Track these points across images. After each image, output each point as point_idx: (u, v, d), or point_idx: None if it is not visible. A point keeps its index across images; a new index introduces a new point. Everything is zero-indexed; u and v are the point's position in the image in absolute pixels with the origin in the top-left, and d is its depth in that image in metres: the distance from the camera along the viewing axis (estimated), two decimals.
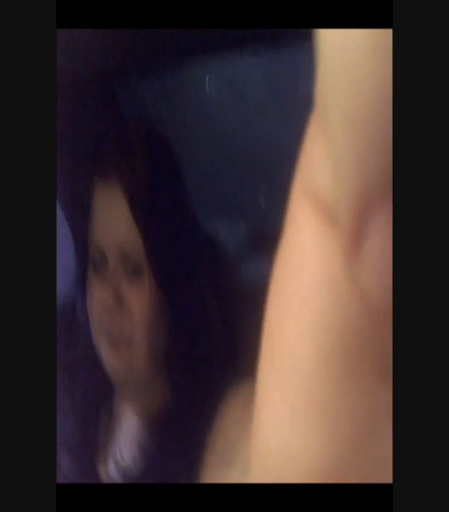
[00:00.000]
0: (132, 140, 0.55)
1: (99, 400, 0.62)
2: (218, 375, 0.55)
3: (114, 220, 0.53)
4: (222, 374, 0.55)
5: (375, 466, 0.15)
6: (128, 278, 0.53)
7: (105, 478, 0.57)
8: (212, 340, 0.55)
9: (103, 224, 0.54)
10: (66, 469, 0.57)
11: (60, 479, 0.56)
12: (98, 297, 0.54)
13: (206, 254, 0.57)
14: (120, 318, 0.53)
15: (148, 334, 0.52)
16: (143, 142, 0.54)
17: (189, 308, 0.55)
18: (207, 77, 1.00)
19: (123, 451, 0.58)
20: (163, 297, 0.53)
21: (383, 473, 0.15)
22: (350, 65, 0.10)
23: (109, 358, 0.55)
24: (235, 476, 0.45)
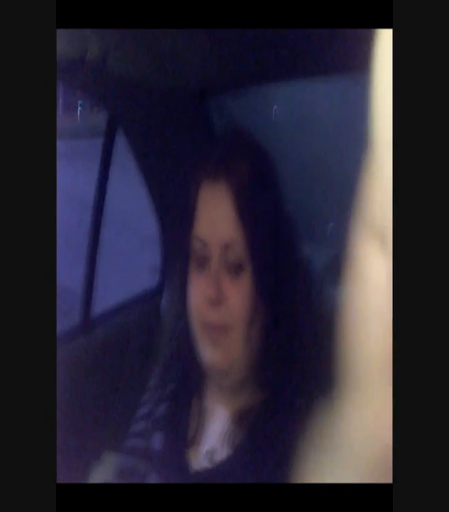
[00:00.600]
0: (237, 146, 0.57)
1: (190, 390, 0.63)
2: (307, 380, 0.56)
3: (219, 218, 0.55)
4: (309, 381, 0.56)
5: None
6: (229, 274, 0.55)
7: (196, 467, 0.58)
8: (303, 348, 0.56)
9: (208, 222, 0.56)
10: (158, 454, 0.59)
11: (153, 462, 0.58)
12: (200, 291, 0.56)
13: (300, 268, 0.59)
14: (220, 312, 0.55)
15: (246, 330, 0.54)
16: (246, 149, 0.57)
17: (283, 312, 0.56)
18: (274, 108, 1.06)
19: (214, 443, 0.59)
20: (260, 297, 0.54)
21: None
22: None
23: (208, 351, 0.56)
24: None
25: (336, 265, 1.10)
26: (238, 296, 0.54)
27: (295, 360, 0.56)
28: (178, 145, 1.04)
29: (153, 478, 0.59)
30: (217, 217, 0.55)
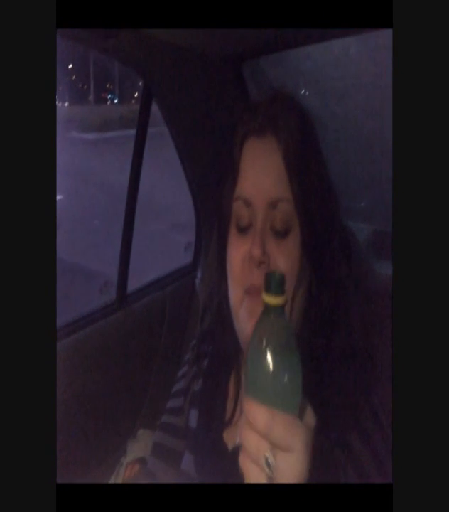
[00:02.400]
0: (283, 103, 0.54)
1: (226, 367, 0.59)
2: (349, 348, 0.53)
3: (266, 173, 0.52)
4: (351, 348, 0.53)
5: None
6: (274, 236, 0.52)
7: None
8: (347, 318, 0.53)
9: (253, 179, 0.53)
10: (194, 431, 0.57)
11: (189, 439, 0.56)
12: (243, 253, 0.52)
13: (344, 234, 0.55)
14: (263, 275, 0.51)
15: (289, 301, 0.50)
16: (292, 106, 0.54)
17: (328, 280, 0.54)
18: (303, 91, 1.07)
19: None
20: (305, 260, 0.51)
21: None
22: None
23: (248, 324, 0.51)
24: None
25: (377, 240, 1.09)
26: (283, 258, 0.51)
27: (337, 330, 0.52)
28: (214, 110, 1.03)
29: (188, 457, 0.57)
30: (263, 172, 0.52)
